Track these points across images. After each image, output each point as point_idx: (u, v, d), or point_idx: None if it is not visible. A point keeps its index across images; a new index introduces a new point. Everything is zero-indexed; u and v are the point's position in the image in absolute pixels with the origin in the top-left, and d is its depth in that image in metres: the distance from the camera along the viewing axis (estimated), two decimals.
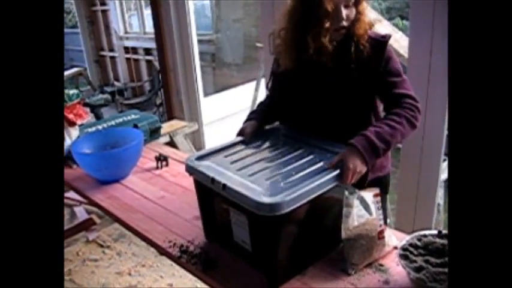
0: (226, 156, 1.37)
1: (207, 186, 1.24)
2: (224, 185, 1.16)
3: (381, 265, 1.22)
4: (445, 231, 1.16)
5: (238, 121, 3.50)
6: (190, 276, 1.32)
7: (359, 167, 1.19)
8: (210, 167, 1.27)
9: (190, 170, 1.31)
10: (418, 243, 1.13)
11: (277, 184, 1.16)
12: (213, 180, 1.20)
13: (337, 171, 1.18)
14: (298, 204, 1.09)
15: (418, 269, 1.04)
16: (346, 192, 1.17)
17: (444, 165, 4.82)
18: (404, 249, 1.12)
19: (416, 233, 1.17)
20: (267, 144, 1.43)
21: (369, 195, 1.17)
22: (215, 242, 1.37)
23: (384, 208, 1.33)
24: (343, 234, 1.17)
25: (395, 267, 1.19)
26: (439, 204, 4.34)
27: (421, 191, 1.94)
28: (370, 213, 1.16)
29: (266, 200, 1.07)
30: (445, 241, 1.11)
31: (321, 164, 1.25)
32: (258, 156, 1.34)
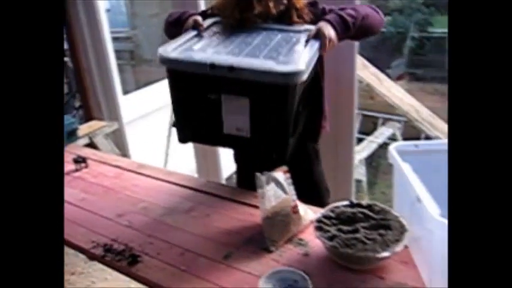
0: (198, 47, 1.26)
1: (192, 77, 1.16)
2: (231, 67, 1.10)
3: (301, 239, 1.28)
4: (355, 201, 1.24)
5: (161, 117, 3.47)
6: (123, 277, 1.30)
7: (333, 36, 1.28)
8: (195, 55, 1.17)
9: (173, 63, 1.18)
10: (332, 215, 1.20)
11: (277, 58, 1.16)
12: (213, 65, 1.11)
13: (319, 41, 1.24)
14: (308, 72, 1.15)
15: (331, 238, 1.11)
16: (259, 175, 1.21)
17: (362, 146, 5.00)
18: (318, 221, 1.18)
19: (330, 206, 1.25)
20: (227, 33, 1.37)
21: (280, 175, 1.22)
22: (193, 141, 1.37)
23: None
24: (261, 214, 1.22)
25: (314, 240, 1.25)
26: (361, 181, 4.57)
27: (339, 170, 2.04)
28: (285, 192, 1.21)
29: (287, 68, 1.08)
30: (355, 210, 1.19)
31: (295, 39, 1.28)
32: (229, 43, 1.28)
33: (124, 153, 2.98)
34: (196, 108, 1.22)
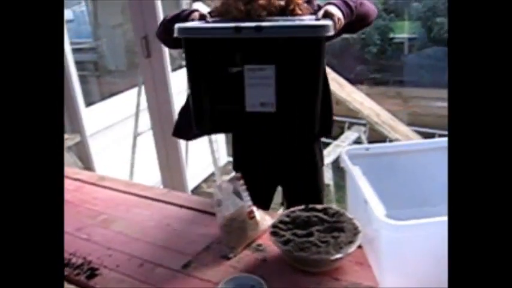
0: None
1: (212, 49, 1.10)
2: (259, 26, 1.05)
3: (259, 245, 1.30)
4: (311, 206, 1.27)
5: (125, 128, 3.43)
6: None
7: (341, 16, 1.27)
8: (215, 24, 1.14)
9: (193, 31, 1.12)
10: (287, 219, 1.22)
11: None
12: (238, 27, 1.07)
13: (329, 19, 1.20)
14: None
15: (286, 242, 1.13)
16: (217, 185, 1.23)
17: (328, 150, 5.05)
18: (274, 226, 1.20)
19: (286, 211, 1.27)
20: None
21: (236, 182, 1.24)
22: (213, 130, 1.30)
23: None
24: (218, 222, 1.23)
25: (272, 245, 1.26)
26: (329, 185, 4.63)
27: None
28: (241, 198, 1.23)
29: (317, 22, 1.10)
30: (309, 213, 1.21)
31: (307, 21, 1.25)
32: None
33: (87, 166, 2.94)
34: (215, 88, 1.15)
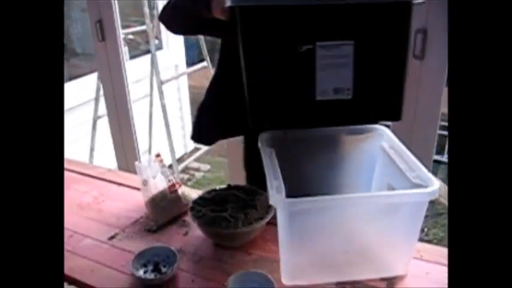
0: None
1: (277, 22, 0.88)
2: None
3: (184, 221, 1.38)
4: (233, 185, 1.35)
5: (85, 112, 3.45)
6: None
7: None
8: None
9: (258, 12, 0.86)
10: (207, 196, 1.30)
11: None
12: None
13: None
14: None
15: (201, 217, 1.21)
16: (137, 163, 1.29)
17: None
18: (194, 202, 1.29)
19: (209, 188, 1.35)
20: None
21: (159, 162, 1.32)
22: (272, 124, 1.02)
23: None
24: (144, 198, 1.31)
25: None
26: None
27: None
28: (164, 175, 1.31)
29: None
30: (228, 192, 1.30)
31: None
32: None
33: None
34: (278, 71, 0.93)
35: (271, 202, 1.01)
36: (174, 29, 1.36)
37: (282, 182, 1.06)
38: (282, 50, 0.90)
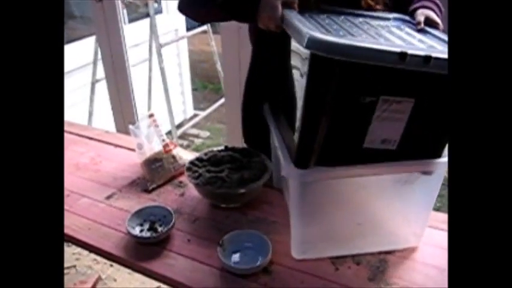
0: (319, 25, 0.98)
1: (349, 74, 0.86)
2: (428, 57, 0.83)
3: (180, 182, 1.39)
4: (230, 146, 1.35)
5: (83, 75, 3.42)
6: None
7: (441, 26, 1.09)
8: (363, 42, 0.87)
9: (345, 50, 0.82)
10: (204, 157, 1.30)
11: (436, 49, 0.93)
12: (404, 54, 0.83)
13: (435, 29, 1.06)
14: None
15: (197, 177, 1.22)
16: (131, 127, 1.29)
17: None
18: (190, 162, 1.29)
19: (206, 150, 1.35)
20: (323, 15, 1.09)
21: (152, 122, 1.31)
22: (318, 163, 0.96)
23: None
24: (140, 159, 1.31)
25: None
26: None
27: None
28: (160, 136, 1.31)
29: None
30: (226, 153, 1.30)
31: (408, 29, 1.07)
32: (352, 27, 1.02)
33: None
34: (336, 117, 0.92)
35: (282, 173, 0.99)
36: (199, 17, 1.29)
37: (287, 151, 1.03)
38: (346, 99, 0.90)
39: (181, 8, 1.21)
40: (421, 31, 1.05)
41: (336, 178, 1.00)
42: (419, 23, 1.07)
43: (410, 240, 1.10)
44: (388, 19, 1.14)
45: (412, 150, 0.98)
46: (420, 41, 0.98)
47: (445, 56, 0.84)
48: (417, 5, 1.16)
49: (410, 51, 0.82)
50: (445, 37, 0.99)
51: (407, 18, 1.15)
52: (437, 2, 1.19)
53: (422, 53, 0.83)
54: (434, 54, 0.83)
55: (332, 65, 0.83)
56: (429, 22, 1.08)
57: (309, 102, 0.91)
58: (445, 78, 0.80)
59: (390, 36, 0.98)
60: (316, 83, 0.89)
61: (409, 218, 1.09)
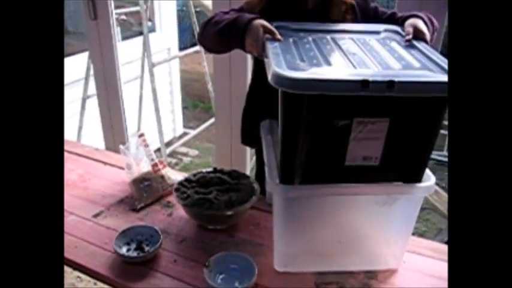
0: (301, 65, 0.97)
1: (319, 101, 0.89)
2: (391, 82, 0.86)
3: (168, 202, 1.40)
4: (219, 168, 1.37)
5: (75, 91, 3.43)
6: None
7: (428, 37, 1.14)
8: (328, 72, 0.92)
9: (307, 85, 0.87)
10: (193, 178, 1.32)
11: (411, 67, 0.97)
12: (366, 82, 0.86)
13: (422, 42, 1.10)
14: None
15: (185, 198, 1.23)
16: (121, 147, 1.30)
17: None
18: (179, 183, 1.30)
19: (194, 171, 1.37)
20: (309, 38, 1.13)
21: (142, 142, 1.33)
22: (303, 181, 1.01)
23: None
24: (129, 178, 1.32)
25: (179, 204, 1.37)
26: None
27: (234, 139, 2.15)
28: (149, 155, 1.33)
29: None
30: (214, 175, 1.32)
31: (394, 43, 1.11)
32: (331, 51, 1.05)
33: None
34: (314, 142, 0.97)
35: (267, 188, 1.02)
36: (212, 50, 1.32)
37: (275, 168, 1.06)
38: (319, 123, 0.94)
39: (200, 40, 1.27)
40: (407, 44, 1.09)
41: (317, 195, 1.03)
42: (408, 34, 1.12)
43: (390, 262, 1.13)
44: (378, 32, 1.18)
45: (395, 165, 1.01)
46: (399, 58, 1.01)
47: (414, 78, 0.89)
48: (407, 14, 1.21)
49: (372, 78, 0.86)
50: (430, 51, 1.03)
51: (398, 29, 1.18)
52: (429, 15, 1.23)
53: (385, 79, 0.86)
54: (398, 79, 0.86)
55: (301, 96, 0.88)
56: (416, 33, 1.12)
57: (285, 125, 0.95)
58: (415, 102, 0.89)
59: (367, 57, 1.02)
60: (288, 111, 0.94)
61: (389, 239, 1.12)
